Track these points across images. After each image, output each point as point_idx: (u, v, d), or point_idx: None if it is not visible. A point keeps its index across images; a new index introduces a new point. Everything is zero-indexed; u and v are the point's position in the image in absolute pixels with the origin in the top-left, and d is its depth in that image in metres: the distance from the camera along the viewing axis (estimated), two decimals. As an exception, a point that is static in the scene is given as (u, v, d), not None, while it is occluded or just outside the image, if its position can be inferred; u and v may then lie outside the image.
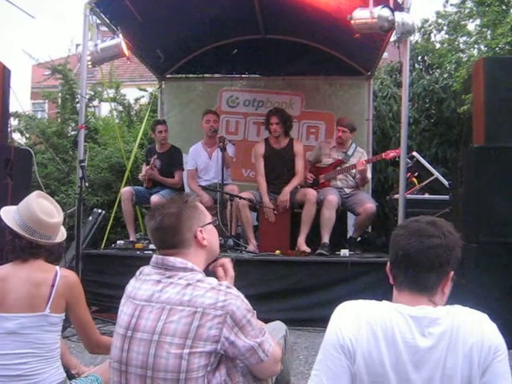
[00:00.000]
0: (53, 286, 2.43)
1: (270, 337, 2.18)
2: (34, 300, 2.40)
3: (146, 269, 2.24)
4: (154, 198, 6.46)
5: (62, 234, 2.68)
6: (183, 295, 2.04)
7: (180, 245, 2.19)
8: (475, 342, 1.68)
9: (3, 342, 2.37)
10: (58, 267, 2.52)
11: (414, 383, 1.69)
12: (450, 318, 1.72)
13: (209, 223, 2.31)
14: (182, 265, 2.14)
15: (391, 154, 6.36)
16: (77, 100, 10.65)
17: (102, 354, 2.75)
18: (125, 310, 2.15)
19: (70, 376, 2.66)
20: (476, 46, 10.78)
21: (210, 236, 2.30)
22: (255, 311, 2.13)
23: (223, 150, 6.48)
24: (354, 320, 1.77)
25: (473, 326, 1.71)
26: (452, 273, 1.83)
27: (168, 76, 9.18)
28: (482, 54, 10.17)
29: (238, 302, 2.04)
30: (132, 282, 2.24)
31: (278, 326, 2.62)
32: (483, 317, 1.76)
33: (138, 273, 2.26)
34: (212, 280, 2.13)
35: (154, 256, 2.22)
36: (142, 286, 2.16)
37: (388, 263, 1.89)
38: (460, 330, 1.69)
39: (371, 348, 1.71)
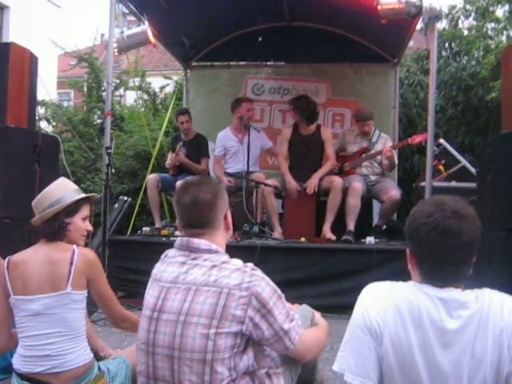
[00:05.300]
0: (71, 263, 2.45)
1: (300, 325, 2.17)
2: (54, 279, 2.42)
3: (170, 251, 2.26)
4: (180, 183, 6.46)
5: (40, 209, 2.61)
6: (209, 276, 2.05)
7: (211, 224, 2.20)
8: (505, 326, 1.66)
9: (30, 323, 2.41)
10: (75, 246, 2.54)
11: (442, 365, 1.66)
12: (479, 302, 1.69)
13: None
14: (207, 247, 2.15)
15: (417, 138, 6.31)
16: (103, 88, 10.73)
17: (128, 329, 2.78)
18: (151, 292, 2.18)
19: (98, 358, 2.69)
20: (504, 32, 10.59)
21: (230, 221, 2.33)
22: (283, 294, 2.13)
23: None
24: (381, 301, 1.75)
25: (503, 309, 1.68)
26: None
27: (193, 64, 9.18)
28: (510, 40, 10.01)
29: (263, 284, 2.05)
30: (157, 265, 2.27)
31: (306, 310, 2.62)
32: (513, 300, 1.73)
33: (163, 256, 2.29)
34: (237, 261, 2.14)
35: (179, 238, 2.23)
36: (167, 268, 2.18)
37: (408, 252, 1.81)
38: (490, 313, 1.67)
39: (398, 330, 1.70)
